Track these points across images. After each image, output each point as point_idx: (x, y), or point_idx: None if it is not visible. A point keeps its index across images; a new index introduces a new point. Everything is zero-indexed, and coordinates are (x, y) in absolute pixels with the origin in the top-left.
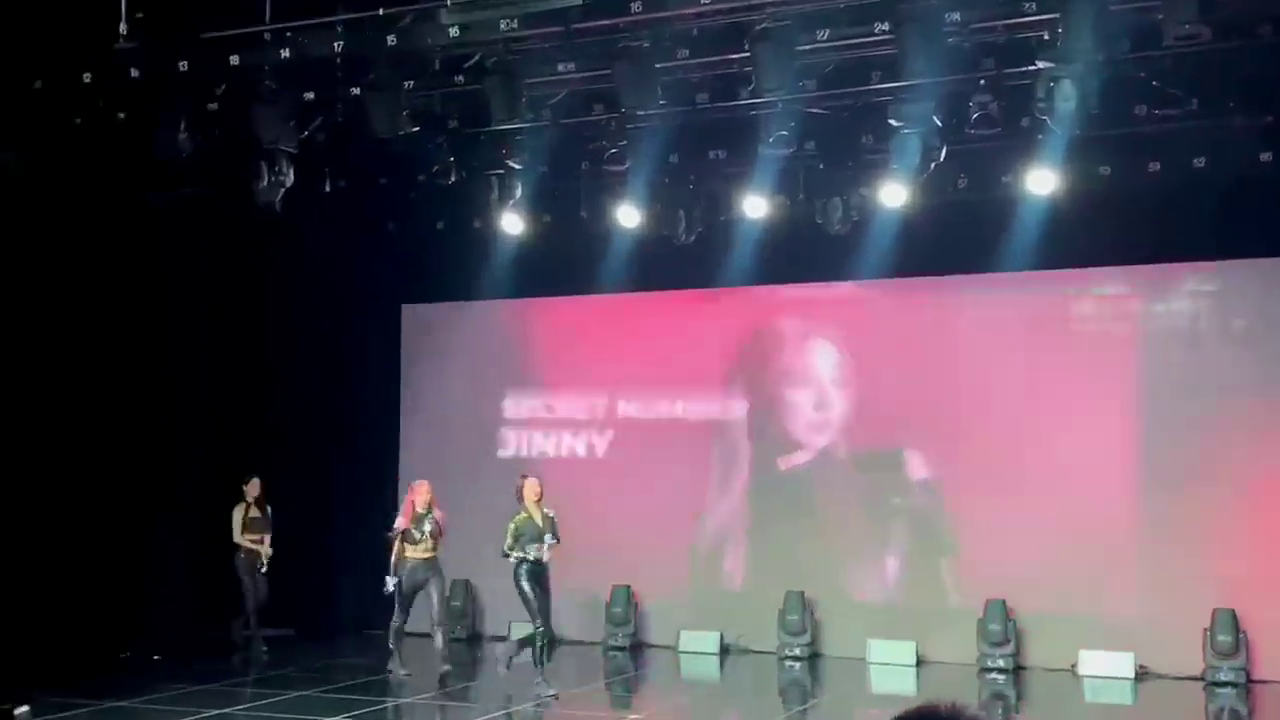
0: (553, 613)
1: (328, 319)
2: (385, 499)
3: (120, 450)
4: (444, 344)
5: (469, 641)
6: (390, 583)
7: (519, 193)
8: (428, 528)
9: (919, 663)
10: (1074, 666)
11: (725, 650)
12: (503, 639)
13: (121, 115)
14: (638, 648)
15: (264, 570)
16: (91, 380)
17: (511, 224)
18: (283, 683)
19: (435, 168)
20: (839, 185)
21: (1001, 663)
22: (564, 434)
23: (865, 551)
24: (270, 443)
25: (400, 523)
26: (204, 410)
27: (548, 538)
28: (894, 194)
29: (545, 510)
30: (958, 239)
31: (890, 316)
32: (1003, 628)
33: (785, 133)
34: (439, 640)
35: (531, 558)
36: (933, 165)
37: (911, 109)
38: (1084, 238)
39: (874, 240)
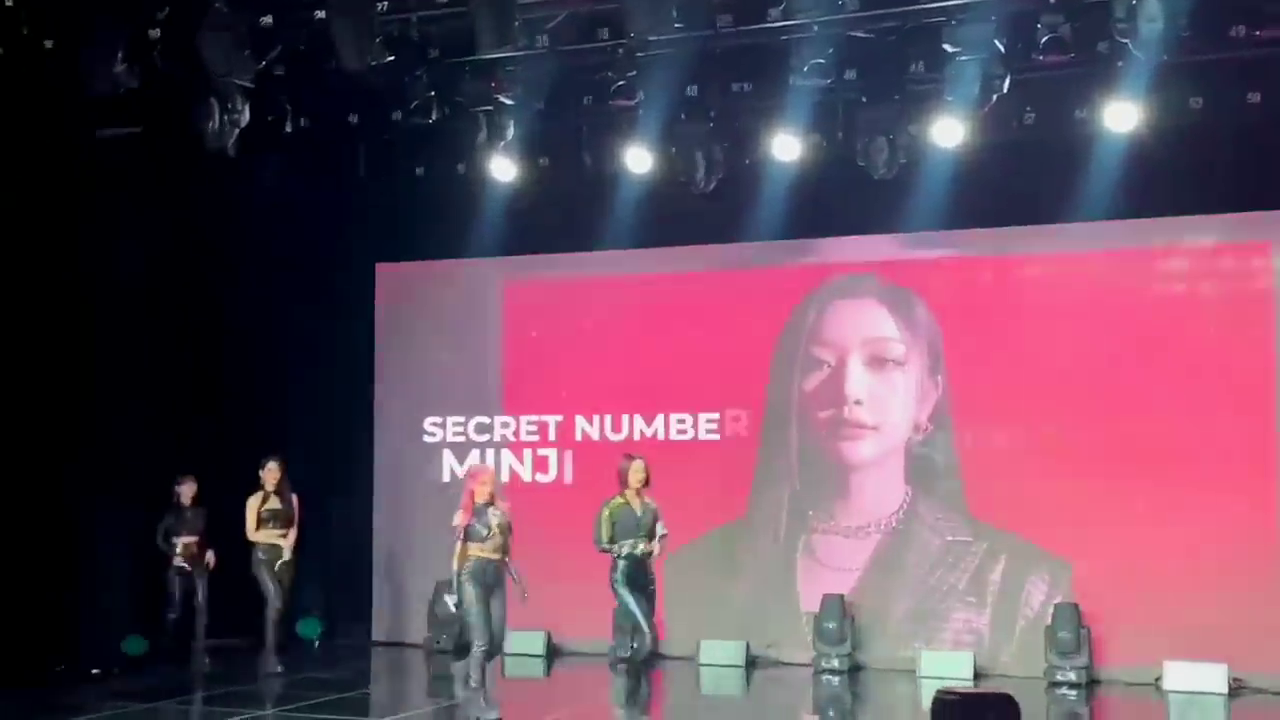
0: (651, 620)
1: (290, 281)
2: (357, 488)
3: (45, 439)
4: (425, 308)
5: (455, 654)
6: (451, 601)
7: (510, 133)
8: (494, 521)
9: (977, 676)
10: (1158, 680)
11: (753, 662)
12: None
13: (49, 43)
14: (651, 660)
15: (287, 569)
16: (3, 355)
17: (502, 169)
18: (235, 699)
19: (413, 104)
20: (884, 122)
21: (1073, 676)
22: (563, 411)
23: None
24: (222, 427)
25: (460, 518)
26: (143, 392)
27: (658, 526)
28: (949, 132)
29: (648, 500)
30: (1023, 184)
31: (944, 275)
32: (1074, 635)
33: (822, 60)
34: (475, 669)
35: (634, 554)
36: (994, 98)
37: (969, 31)
38: (1171, 181)
39: (925, 186)
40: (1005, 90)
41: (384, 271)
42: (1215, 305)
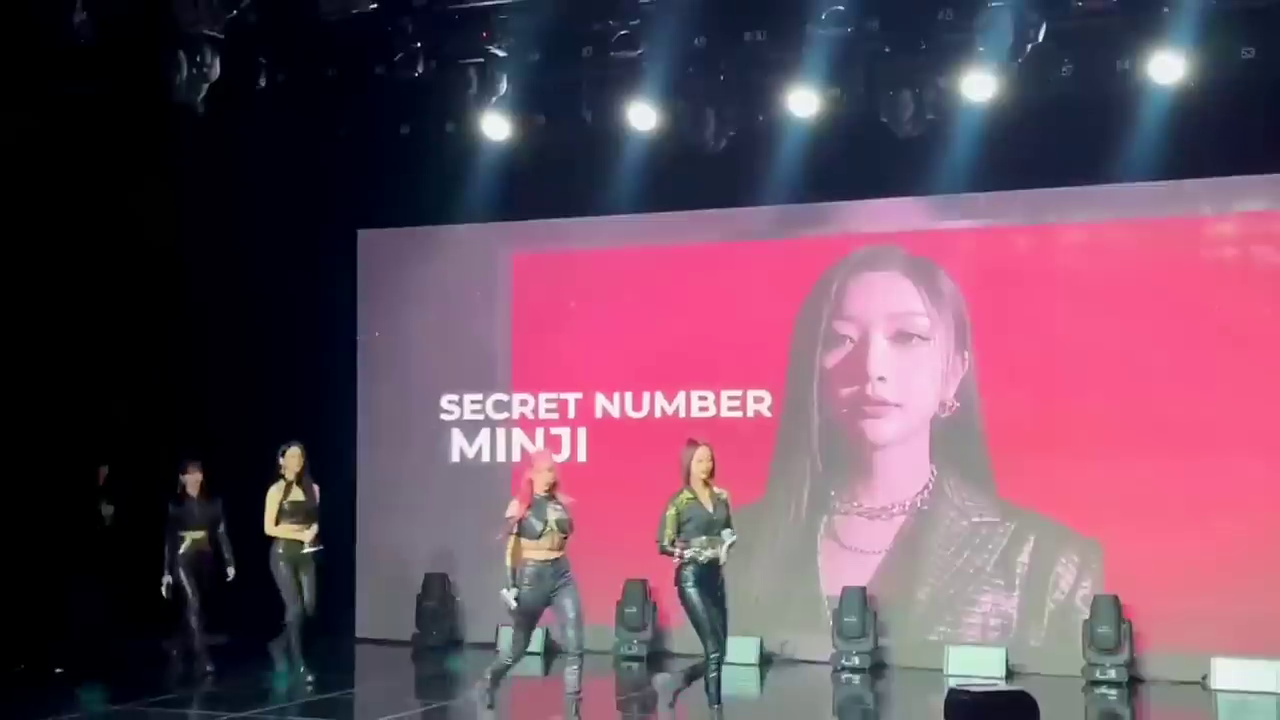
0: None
1: (265, 249)
2: (340, 473)
3: (12, 420)
4: (411, 278)
5: (445, 650)
6: (510, 596)
7: (504, 87)
8: (553, 516)
9: (1009, 674)
10: (1205, 678)
11: (767, 660)
12: (489, 646)
13: None
14: (657, 658)
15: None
16: None
17: (495, 127)
18: (221, 702)
19: (398, 56)
20: (910, 75)
21: (1113, 674)
22: (562, 389)
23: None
24: (194, 410)
25: (516, 510)
26: (107, 369)
27: (726, 533)
28: (980, 86)
29: (717, 491)
30: (1060, 142)
31: (971, 243)
32: (1115, 631)
33: (841, 7)
34: (571, 678)
35: (704, 558)
36: (1029, 49)
37: None
38: (1219, 140)
39: (954, 145)
40: (1041, 40)
41: (367, 238)
42: (1265, 275)
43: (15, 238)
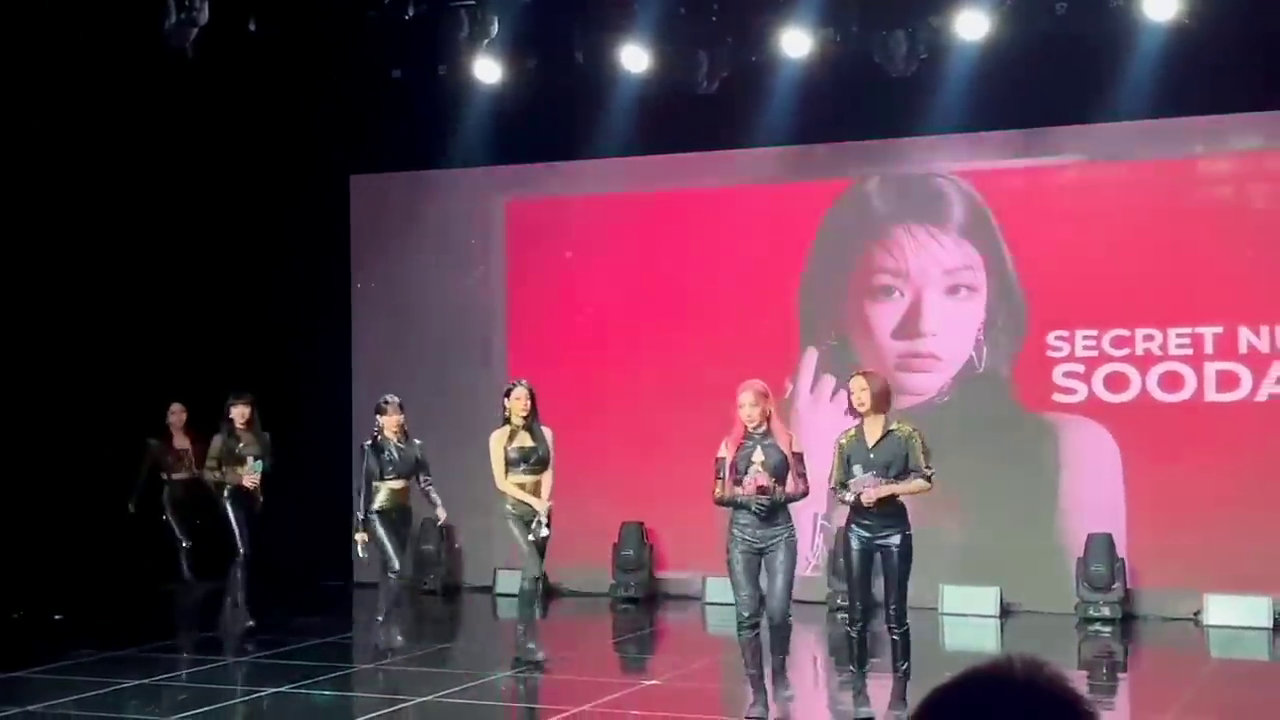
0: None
1: (256, 195)
2: (333, 421)
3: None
4: (404, 223)
5: (444, 595)
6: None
7: (495, 29)
8: (758, 459)
9: (1004, 612)
10: (1197, 615)
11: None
12: (486, 589)
13: None
14: (653, 599)
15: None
16: None
17: (486, 70)
18: (216, 646)
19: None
20: (903, 13)
21: (1106, 611)
22: (559, 334)
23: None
24: (187, 355)
25: (728, 450)
26: (97, 318)
27: (871, 474)
28: (973, 24)
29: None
30: (1055, 80)
31: (970, 183)
32: (1108, 569)
33: None
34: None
35: (849, 498)
36: None
37: None
38: (1219, 77)
39: (948, 84)
40: None
41: (359, 183)
42: (1260, 213)
43: (10, 186)
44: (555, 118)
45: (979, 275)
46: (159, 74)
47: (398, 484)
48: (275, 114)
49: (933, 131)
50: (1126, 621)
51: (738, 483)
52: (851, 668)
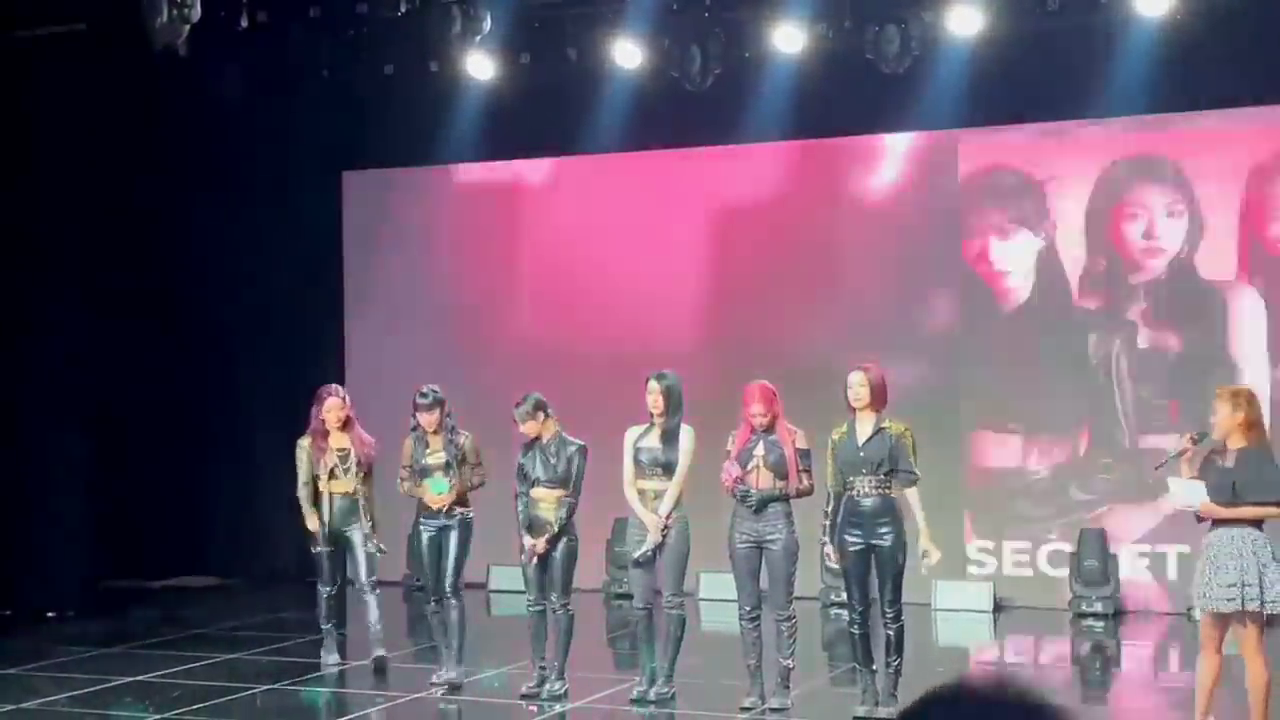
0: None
1: (248, 191)
2: None
3: None
4: (396, 220)
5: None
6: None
7: (488, 25)
8: (760, 453)
9: (997, 608)
10: (1190, 611)
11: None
12: (478, 585)
13: None
14: None
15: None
16: None
17: (479, 66)
18: (206, 643)
19: None
20: (895, 9)
21: (1099, 607)
22: (547, 327)
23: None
24: (175, 349)
25: (733, 442)
26: (86, 309)
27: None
28: (965, 20)
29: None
30: (1048, 77)
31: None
32: (1101, 564)
33: None
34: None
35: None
36: None
37: None
38: (1207, 72)
39: (940, 80)
40: None
41: (351, 179)
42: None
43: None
44: (548, 114)
45: None
46: (150, 69)
47: None
48: (267, 109)
49: (923, 128)
50: (1119, 616)
51: (740, 480)
52: (856, 665)
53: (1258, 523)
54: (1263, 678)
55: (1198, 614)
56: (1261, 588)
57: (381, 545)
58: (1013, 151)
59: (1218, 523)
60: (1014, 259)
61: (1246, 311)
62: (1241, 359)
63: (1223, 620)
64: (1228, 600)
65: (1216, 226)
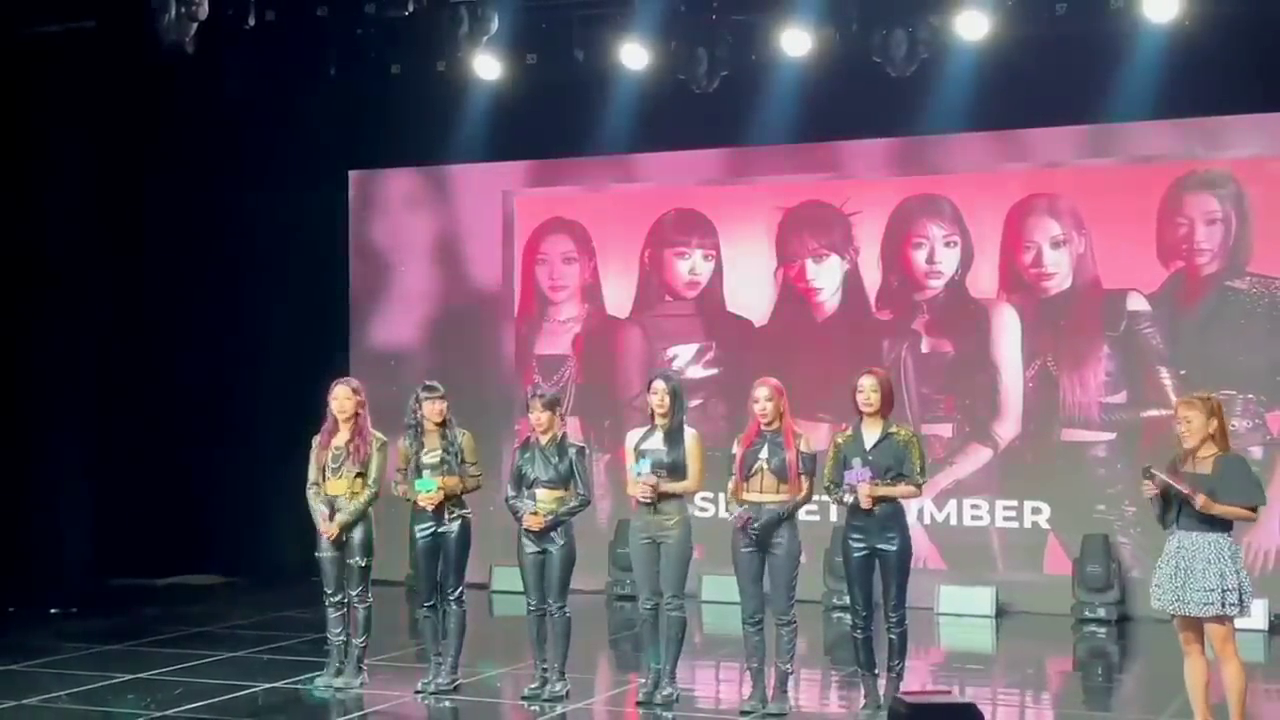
0: None
1: (254, 190)
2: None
3: None
4: (402, 219)
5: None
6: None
7: (495, 26)
8: (764, 456)
9: (999, 614)
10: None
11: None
12: (481, 586)
13: None
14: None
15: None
16: None
17: (486, 67)
18: (208, 641)
19: None
20: (903, 13)
21: (1102, 613)
22: (553, 328)
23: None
24: (180, 346)
25: (737, 446)
26: (91, 307)
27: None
28: (973, 24)
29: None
30: (1055, 81)
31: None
32: (1105, 570)
33: None
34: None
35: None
36: None
37: None
38: (1217, 78)
39: (948, 84)
40: None
41: (358, 179)
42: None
43: (5, 177)
44: (554, 115)
45: None
46: (157, 68)
47: None
48: (274, 109)
49: (930, 131)
50: (1122, 623)
51: (750, 522)
52: (858, 669)
53: (1229, 528)
54: (1240, 679)
55: (1155, 604)
56: (1240, 593)
57: (361, 561)
58: (827, 191)
59: (1188, 526)
60: (825, 278)
61: (1005, 323)
62: (1001, 362)
63: (1196, 623)
64: (1204, 605)
65: (982, 254)
